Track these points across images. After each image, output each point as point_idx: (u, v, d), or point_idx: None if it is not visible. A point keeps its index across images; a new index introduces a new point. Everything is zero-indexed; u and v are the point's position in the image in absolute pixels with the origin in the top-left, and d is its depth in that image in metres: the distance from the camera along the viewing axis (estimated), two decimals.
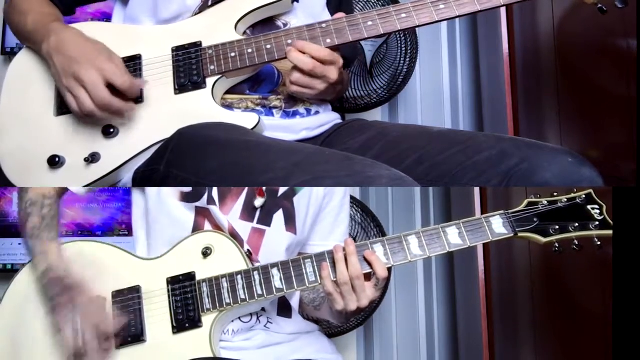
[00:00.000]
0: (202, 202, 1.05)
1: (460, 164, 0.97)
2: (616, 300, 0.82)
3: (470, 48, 2.05)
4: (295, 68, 1.03)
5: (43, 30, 1.05)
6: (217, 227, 1.05)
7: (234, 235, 1.04)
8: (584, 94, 1.33)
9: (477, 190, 1.72)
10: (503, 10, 1.70)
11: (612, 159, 1.19)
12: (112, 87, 0.99)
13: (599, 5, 0.99)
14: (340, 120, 1.23)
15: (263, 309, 1.07)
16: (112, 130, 1.01)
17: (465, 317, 1.88)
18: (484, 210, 1.72)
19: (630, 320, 0.80)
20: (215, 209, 1.04)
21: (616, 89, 1.17)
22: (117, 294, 1.00)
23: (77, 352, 0.93)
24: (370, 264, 0.96)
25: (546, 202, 0.99)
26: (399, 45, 1.84)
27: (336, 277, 0.95)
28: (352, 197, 1.76)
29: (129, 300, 0.99)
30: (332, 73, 1.04)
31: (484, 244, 0.99)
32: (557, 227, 0.97)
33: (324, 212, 1.14)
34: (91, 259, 1.02)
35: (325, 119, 1.18)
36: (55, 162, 1.01)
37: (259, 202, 1.06)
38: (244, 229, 1.05)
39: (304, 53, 1.02)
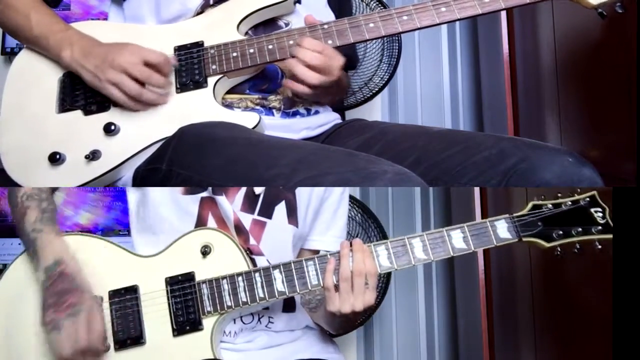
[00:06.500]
0: (208, 192, 1.04)
1: (460, 164, 0.97)
2: (616, 301, 0.82)
3: (470, 48, 2.05)
4: (302, 63, 1.02)
5: (55, 38, 1.06)
6: (221, 219, 1.04)
7: (239, 227, 1.03)
8: (584, 94, 1.33)
9: (477, 190, 1.72)
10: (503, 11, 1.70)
11: (612, 159, 1.19)
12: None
13: (599, 10, 0.99)
14: (340, 120, 1.23)
15: (266, 307, 1.06)
16: (113, 127, 1.02)
17: (465, 318, 1.88)
18: (484, 211, 1.72)
19: (630, 321, 0.80)
20: (222, 199, 1.03)
21: (616, 89, 1.17)
22: (114, 294, 0.97)
23: (73, 354, 0.89)
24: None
25: (550, 205, 0.98)
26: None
27: (339, 272, 0.94)
28: (352, 198, 1.75)
29: (126, 300, 0.96)
30: (336, 69, 1.05)
31: None
32: (561, 232, 0.96)
33: (323, 207, 1.13)
34: (85, 256, 0.98)
35: (325, 118, 1.19)
36: (55, 159, 1.00)
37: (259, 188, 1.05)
38: (245, 220, 1.04)
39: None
